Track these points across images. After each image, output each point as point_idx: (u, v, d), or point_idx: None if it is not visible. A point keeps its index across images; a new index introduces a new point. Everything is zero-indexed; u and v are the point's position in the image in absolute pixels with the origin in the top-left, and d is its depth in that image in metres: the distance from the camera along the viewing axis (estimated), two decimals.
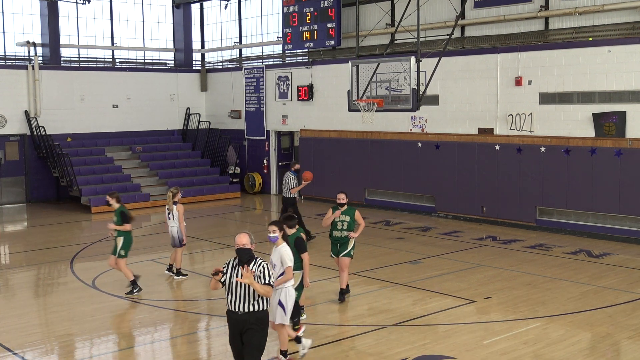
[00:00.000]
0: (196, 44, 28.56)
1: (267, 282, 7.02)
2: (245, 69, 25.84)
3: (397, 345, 9.42)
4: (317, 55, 23.14)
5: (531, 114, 17.52)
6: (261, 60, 25.95)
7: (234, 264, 7.12)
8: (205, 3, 28.08)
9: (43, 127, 23.40)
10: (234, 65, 27.01)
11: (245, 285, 6.96)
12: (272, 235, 8.53)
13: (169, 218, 13.36)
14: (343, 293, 11.60)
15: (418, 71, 15.94)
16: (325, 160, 22.73)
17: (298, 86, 23.57)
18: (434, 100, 19.23)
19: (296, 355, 9.01)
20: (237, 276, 6.98)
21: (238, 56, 27.24)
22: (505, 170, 18.05)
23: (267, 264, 7.12)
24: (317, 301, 11.60)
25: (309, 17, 22.44)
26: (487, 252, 15.35)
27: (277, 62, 25.20)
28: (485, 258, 14.67)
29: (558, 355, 9.01)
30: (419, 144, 19.95)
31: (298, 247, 9.47)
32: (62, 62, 25.04)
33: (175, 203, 13.26)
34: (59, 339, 10.05)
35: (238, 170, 25.91)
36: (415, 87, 15.85)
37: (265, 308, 7.15)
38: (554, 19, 17.41)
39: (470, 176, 18.81)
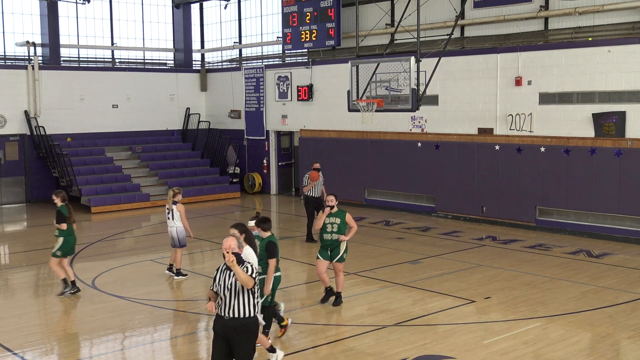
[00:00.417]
0: (196, 44, 28.57)
1: (249, 273, 6.78)
2: (245, 69, 25.83)
3: (397, 345, 9.42)
4: (317, 55, 23.14)
5: (531, 114, 17.53)
6: (261, 60, 25.96)
7: (223, 269, 6.98)
8: (205, 3, 28.08)
9: (43, 127, 23.40)
10: (234, 65, 27.01)
11: (233, 290, 6.81)
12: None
13: (169, 218, 13.35)
14: (338, 297, 11.36)
15: (418, 71, 15.94)
16: (325, 161, 22.67)
17: (298, 86, 23.57)
18: (433, 100, 19.23)
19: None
20: (228, 279, 6.83)
21: (238, 56, 27.24)
22: (505, 170, 18.05)
23: (252, 265, 6.93)
24: (317, 301, 11.59)
25: (308, 17, 22.44)
26: (487, 252, 15.35)
27: (277, 62, 25.21)
28: (485, 258, 14.68)
29: (558, 355, 9.01)
30: (419, 144, 19.95)
31: (268, 252, 9.36)
32: (62, 62, 25.04)
33: (175, 203, 13.25)
34: (59, 339, 10.05)
35: (238, 170, 25.91)
36: (415, 87, 15.85)
37: (253, 315, 6.96)
38: (553, 19, 17.41)
39: (470, 176, 18.81)
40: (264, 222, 9.66)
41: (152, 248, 16.22)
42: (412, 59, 15.65)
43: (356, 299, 11.82)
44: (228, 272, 6.88)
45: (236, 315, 6.87)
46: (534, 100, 17.47)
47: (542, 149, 17.29)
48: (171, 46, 28.13)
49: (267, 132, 25.10)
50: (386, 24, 20.40)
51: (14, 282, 13.53)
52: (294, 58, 24.38)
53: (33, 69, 23.81)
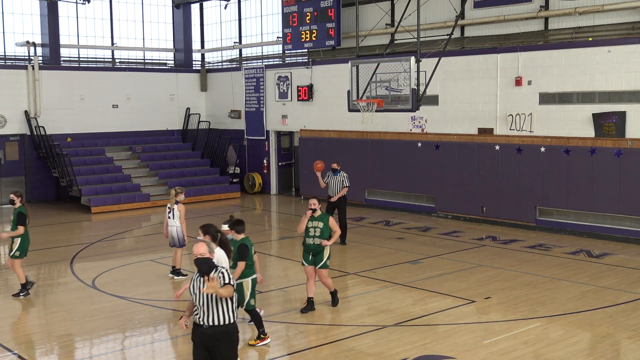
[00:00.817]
0: (196, 44, 28.57)
1: (226, 282, 6.62)
2: (245, 69, 25.84)
3: (397, 345, 9.42)
4: (317, 56, 23.14)
5: (531, 114, 17.52)
6: (261, 61, 25.96)
7: (196, 277, 6.79)
8: (205, 3, 28.08)
9: (43, 127, 23.40)
10: (234, 65, 27.01)
11: (209, 297, 6.63)
12: (199, 238, 8.31)
13: (170, 217, 13.35)
14: (334, 296, 11.26)
15: (418, 71, 15.93)
16: (325, 161, 22.65)
17: (298, 86, 23.57)
18: (433, 100, 19.23)
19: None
20: (203, 287, 6.64)
21: (238, 56, 27.25)
22: (505, 171, 18.05)
23: (226, 269, 6.76)
24: (317, 301, 11.59)
25: (308, 17, 22.44)
26: (487, 252, 15.35)
27: (277, 62, 25.21)
28: (485, 258, 14.68)
29: (558, 355, 9.01)
30: (419, 144, 19.95)
31: (239, 254, 9.31)
32: (62, 62, 25.04)
33: (176, 203, 13.24)
34: (59, 339, 10.05)
35: (238, 170, 25.91)
36: (415, 87, 15.85)
37: (233, 321, 6.77)
38: (553, 19, 17.41)
39: (470, 176, 18.81)
40: (237, 225, 9.56)
41: (152, 248, 16.22)
42: (412, 59, 15.65)
43: (356, 299, 11.82)
44: (202, 279, 6.68)
45: (215, 323, 6.68)
46: (534, 100, 17.47)
47: (542, 149, 17.29)
48: (171, 46, 28.14)
49: (267, 132, 25.10)
50: (386, 24, 20.40)
51: (14, 282, 13.51)
52: (294, 58, 24.38)
53: (33, 69, 23.81)
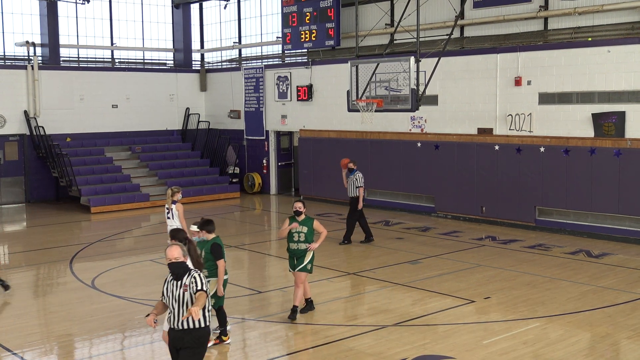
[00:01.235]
0: (195, 44, 28.56)
1: (199, 288, 6.52)
2: (244, 69, 25.84)
3: (397, 345, 9.43)
4: (316, 56, 23.15)
5: (530, 114, 17.53)
6: (260, 61, 25.96)
7: (170, 280, 6.72)
8: (204, 3, 28.08)
9: (42, 127, 23.39)
10: (234, 66, 27.02)
11: (182, 301, 6.56)
12: (169, 242, 8.18)
13: (169, 217, 13.33)
14: (295, 311, 10.56)
15: (417, 71, 15.93)
16: (325, 161, 22.73)
17: (297, 86, 23.58)
18: (433, 100, 19.24)
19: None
20: (176, 290, 6.59)
21: (237, 56, 27.25)
22: (504, 171, 18.06)
23: (199, 274, 6.64)
24: (317, 301, 11.59)
25: (308, 17, 22.44)
26: (487, 252, 15.36)
27: (277, 62, 25.21)
28: (484, 258, 14.68)
29: (557, 355, 9.02)
30: (419, 144, 19.95)
31: (214, 254, 9.26)
32: (61, 62, 25.04)
33: (174, 202, 13.23)
34: (59, 339, 10.05)
35: (237, 170, 25.91)
36: (415, 87, 15.85)
37: (204, 325, 6.66)
38: (553, 19, 17.42)
39: (469, 176, 18.81)
40: (208, 224, 9.48)
41: (152, 248, 16.21)
42: (412, 59, 15.65)
43: (356, 299, 11.83)
44: (175, 282, 6.63)
45: (186, 327, 6.60)
46: (533, 100, 17.47)
47: (542, 149, 17.30)
48: (171, 46, 28.13)
49: (267, 132, 25.10)
50: (386, 24, 20.41)
51: (14, 282, 13.51)
52: (294, 58, 24.38)
53: (33, 69, 23.80)
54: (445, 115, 19.35)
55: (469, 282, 12.75)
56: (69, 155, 22.73)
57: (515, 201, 17.89)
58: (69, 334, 10.29)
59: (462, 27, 19.18)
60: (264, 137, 25.21)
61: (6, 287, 12.42)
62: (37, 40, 24.53)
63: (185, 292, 6.56)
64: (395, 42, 19.79)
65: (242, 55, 27.05)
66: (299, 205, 10.55)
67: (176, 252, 6.61)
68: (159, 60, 28.02)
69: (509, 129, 18.00)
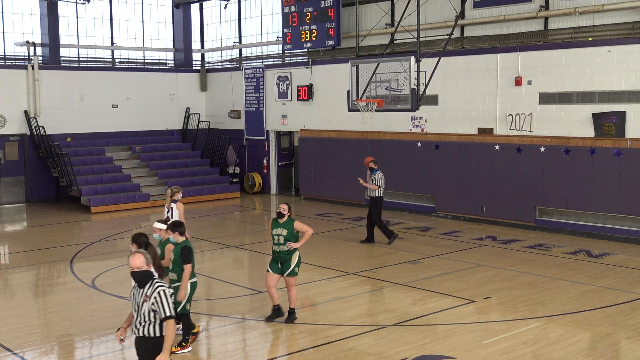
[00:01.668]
0: (196, 44, 28.56)
1: (167, 315, 6.39)
2: (244, 69, 25.84)
3: (397, 345, 9.43)
4: (316, 55, 23.14)
5: (531, 114, 17.53)
6: (261, 60, 25.96)
7: (134, 285, 6.65)
8: (205, 3, 28.08)
9: (43, 127, 23.40)
10: (234, 65, 27.02)
11: (139, 309, 6.46)
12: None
13: (169, 217, 13.31)
14: (291, 313, 10.47)
15: (418, 71, 15.93)
16: (325, 160, 22.73)
17: (298, 86, 23.57)
18: (433, 100, 19.24)
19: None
20: (138, 299, 6.52)
21: (238, 56, 27.25)
22: (505, 170, 18.05)
23: (164, 290, 6.45)
24: (317, 301, 11.60)
25: (308, 17, 22.44)
26: (487, 252, 15.36)
27: (277, 62, 25.21)
28: (484, 258, 14.68)
29: (557, 355, 9.01)
30: (419, 144, 19.95)
31: (183, 257, 9.14)
32: (61, 62, 25.04)
33: (175, 202, 13.23)
34: (59, 339, 10.05)
35: (238, 170, 25.91)
36: (415, 87, 15.85)
37: (160, 335, 6.51)
38: (553, 19, 17.41)
39: (469, 176, 18.81)
40: (179, 226, 9.32)
41: None
42: (412, 59, 15.65)
43: (356, 299, 11.82)
44: (139, 290, 6.56)
45: (147, 335, 6.52)
46: (533, 100, 17.47)
47: (542, 149, 17.29)
48: (171, 46, 28.13)
49: (267, 132, 25.10)
50: (386, 24, 20.40)
51: (14, 282, 13.53)
52: (294, 58, 24.38)
53: (33, 69, 23.80)
54: (445, 115, 19.35)
55: (469, 282, 12.75)
56: (69, 155, 22.73)
57: (516, 201, 17.88)
58: (69, 334, 10.29)
59: (462, 27, 19.17)
60: (264, 137, 25.21)
61: None
62: (38, 40, 24.53)
63: (145, 303, 6.47)
64: (395, 42, 19.78)
65: (243, 55, 27.05)
66: (283, 207, 10.29)
67: (138, 261, 6.48)
68: (159, 60, 28.02)
69: (509, 129, 18.00)
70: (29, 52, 24.12)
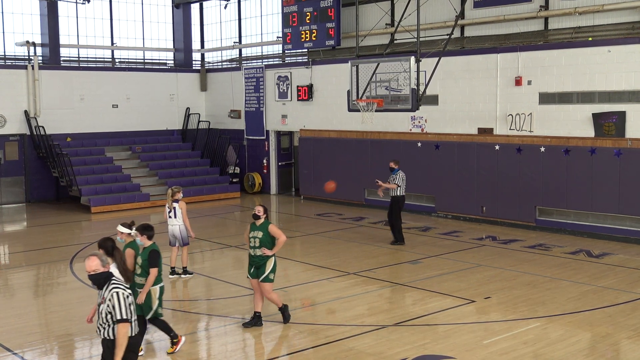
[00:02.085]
0: (196, 44, 28.56)
1: (118, 318, 6.39)
2: (244, 69, 25.84)
3: (397, 345, 9.42)
4: (316, 55, 23.14)
5: (531, 114, 17.53)
6: (261, 60, 25.96)
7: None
8: (205, 3, 28.08)
9: (43, 127, 23.39)
10: (234, 65, 27.01)
11: (101, 309, 6.49)
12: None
13: (170, 217, 13.33)
14: (259, 317, 10.28)
15: (418, 71, 15.93)
16: (325, 160, 22.72)
17: (298, 86, 23.57)
18: (433, 100, 19.23)
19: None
20: (99, 297, 6.55)
21: (238, 56, 27.24)
22: (505, 170, 18.05)
23: (117, 292, 6.42)
24: (317, 301, 11.60)
25: (308, 17, 22.44)
26: (487, 252, 15.35)
27: (277, 62, 25.21)
28: (485, 258, 14.68)
29: (558, 355, 9.01)
30: (419, 144, 19.95)
31: (150, 261, 9.04)
32: (61, 62, 25.04)
33: (176, 201, 13.24)
34: (59, 339, 10.05)
35: (238, 170, 25.91)
36: (415, 87, 15.84)
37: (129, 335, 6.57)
38: (553, 19, 17.41)
39: (470, 176, 18.81)
40: (148, 230, 9.22)
41: None
42: (412, 58, 15.65)
43: (356, 299, 11.82)
44: (99, 292, 6.57)
45: (107, 337, 6.55)
46: (533, 100, 17.47)
47: (542, 149, 17.29)
48: (171, 46, 28.13)
49: (267, 132, 25.10)
50: (386, 24, 20.40)
51: (14, 282, 13.53)
52: (294, 58, 24.38)
53: (33, 68, 23.80)
54: (445, 115, 19.35)
55: (469, 282, 12.74)
56: (69, 155, 22.72)
57: (516, 201, 17.88)
58: (69, 334, 10.28)
59: (462, 27, 19.17)
60: (264, 137, 25.21)
61: None
62: (38, 40, 24.53)
63: (102, 304, 6.49)
64: (395, 42, 19.78)
65: (243, 55, 27.05)
66: (258, 209, 10.07)
67: (93, 264, 6.48)
68: (159, 60, 28.02)
69: (509, 129, 17.99)
70: (29, 52, 24.12)
